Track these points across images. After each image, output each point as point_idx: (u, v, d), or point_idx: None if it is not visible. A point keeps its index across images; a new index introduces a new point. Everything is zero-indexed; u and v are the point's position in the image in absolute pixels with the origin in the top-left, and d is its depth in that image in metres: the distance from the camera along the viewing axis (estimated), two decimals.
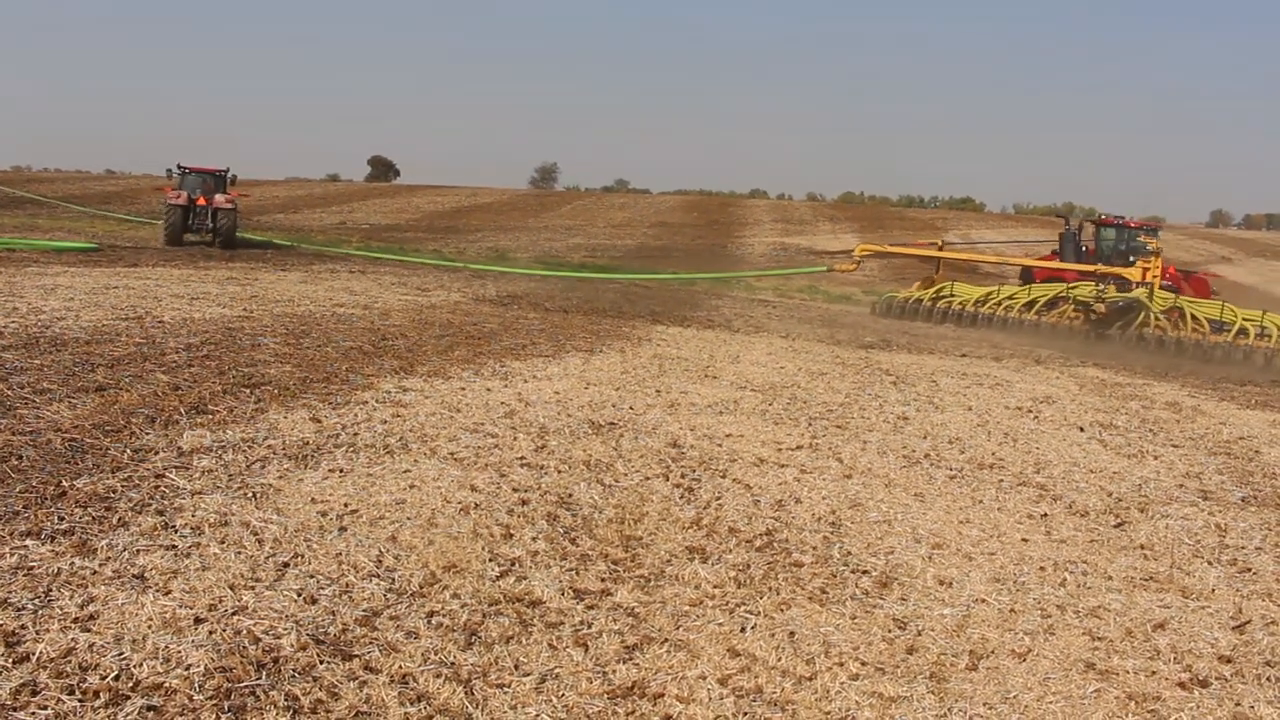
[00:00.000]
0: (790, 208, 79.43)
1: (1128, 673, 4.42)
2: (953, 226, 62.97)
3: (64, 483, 5.39)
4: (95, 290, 13.89)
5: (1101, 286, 21.32)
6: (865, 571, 5.39)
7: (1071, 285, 22.47)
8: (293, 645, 3.91)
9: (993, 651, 4.53)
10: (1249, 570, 5.91)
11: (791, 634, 4.53)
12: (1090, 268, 24.26)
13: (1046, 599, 5.21)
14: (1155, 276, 21.33)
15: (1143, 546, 6.23)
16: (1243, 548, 6.34)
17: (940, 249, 28.14)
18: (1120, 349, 19.47)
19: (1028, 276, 27.59)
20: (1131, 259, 24.14)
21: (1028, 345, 19.54)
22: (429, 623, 4.27)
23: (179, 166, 33.10)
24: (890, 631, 4.66)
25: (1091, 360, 17.17)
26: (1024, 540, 6.15)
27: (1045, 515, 6.72)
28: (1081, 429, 9.81)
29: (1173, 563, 5.94)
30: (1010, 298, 23.11)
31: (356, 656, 3.91)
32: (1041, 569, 5.65)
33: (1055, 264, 26.02)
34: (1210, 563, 6.01)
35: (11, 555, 4.44)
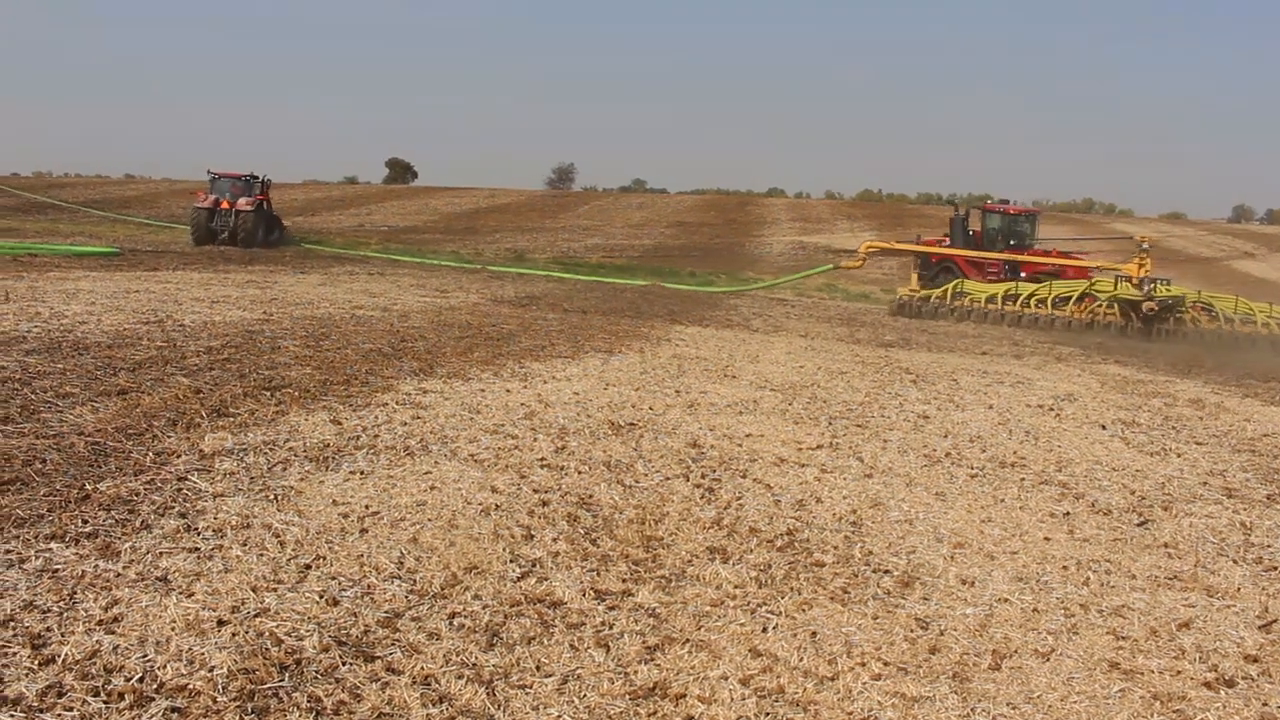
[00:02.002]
0: (808, 206, 79.25)
1: (1153, 672, 4.39)
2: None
3: (87, 486, 5.42)
4: (116, 294, 13.98)
5: (1149, 286, 21.80)
6: (887, 571, 5.37)
7: (1094, 282, 23.01)
8: (315, 647, 3.92)
9: (1016, 651, 4.51)
10: (1275, 569, 5.86)
11: (813, 634, 4.51)
12: (1045, 258, 26.76)
13: (1070, 598, 5.18)
14: (1148, 272, 22.43)
15: (1166, 545, 6.18)
16: (1268, 546, 6.28)
17: (945, 244, 28.76)
18: (1161, 343, 20.17)
19: (926, 262, 28.84)
20: (1011, 242, 27.24)
21: (1053, 342, 19.59)
22: (451, 624, 4.27)
23: (209, 172, 34.07)
24: (912, 631, 4.64)
25: (1113, 357, 17.09)
26: (1046, 539, 6.12)
27: (1068, 514, 6.68)
28: (1104, 427, 9.75)
29: (1197, 561, 5.90)
30: (1031, 294, 23.18)
31: (379, 658, 3.91)
32: (1064, 568, 5.62)
33: (1005, 252, 27.25)
34: (1235, 561, 5.96)
35: (37, 558, 4.47)
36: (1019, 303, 23.08)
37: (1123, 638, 4.74)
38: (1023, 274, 26.13)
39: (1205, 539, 6.34)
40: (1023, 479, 7.47)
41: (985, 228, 28.38)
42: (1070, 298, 22.90)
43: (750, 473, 7.02)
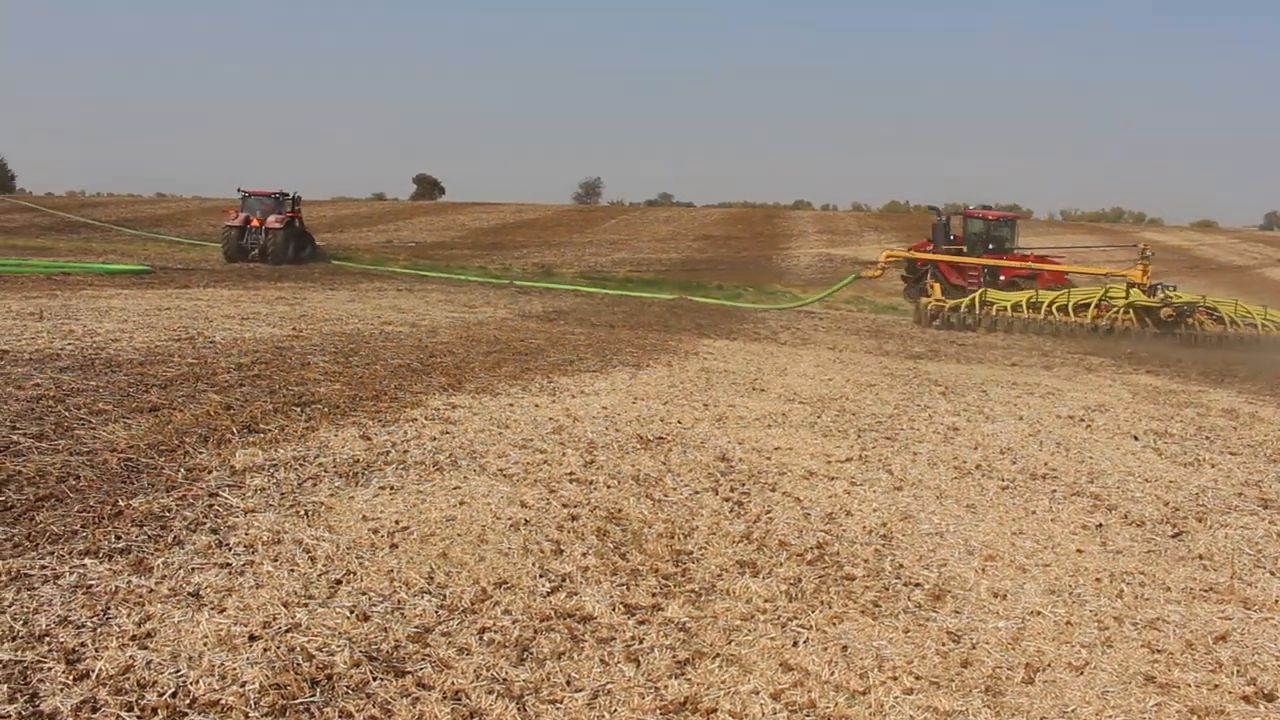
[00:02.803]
0: (835, 218, 79.12)
1: (1189, 686, 4.33)
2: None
3: (120, 502, 5.46)
4: (148, 312, 14.10)
5: (1164, 293, 23.07)
6: (918, 584, 5.33)
7: (1108, 289, 23.87)
8: (346, 662, 3.93)
9: (1049, 664, 4.46)
10: None
11: (844, 648, 4.49)
12: (1021, 263, 28.49)
13: (1103, 611, 5.13)
14: (1148, 278, 23.93)
15: (1201, 557, 6.12)
16: None
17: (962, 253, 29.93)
18: (1179, 348, 20.88)
19: (911, 266, 31.36)
20: (990, 245, 29.03)
21: (1079, 350, 19.58)
22: (481, 639, 4.27)
23: (240, 190, 34.45)
24: (944, 644, 4.61)
25: (1144, 367, 16.95)
26: (1079, 551, 6.06)
27: (1100, 525, 6.62)
28: (1136, 437, 9.67)
29: (1233, 573, 5.83)
30: (1052, 302, 23.68)
31: (409, 673, 3.92)
32: (1097, 580, 5.57)
33: (961, 255, 29.52)
34: (1273, 573, 5.89)
35: (71, 574, 4.51)
36: (1043, 311, 23.40)
37: (1158, 651, 4.68)
38: (1001, 277, 28.00)
39: (1241, 550, 6.27)
40: (1054, 491, 7.41)
41: (966, 232, 30.08)
42: (1089, 305, 23.41)
43: (779, 486, 6.99)
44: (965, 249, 29.82)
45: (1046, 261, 29.26)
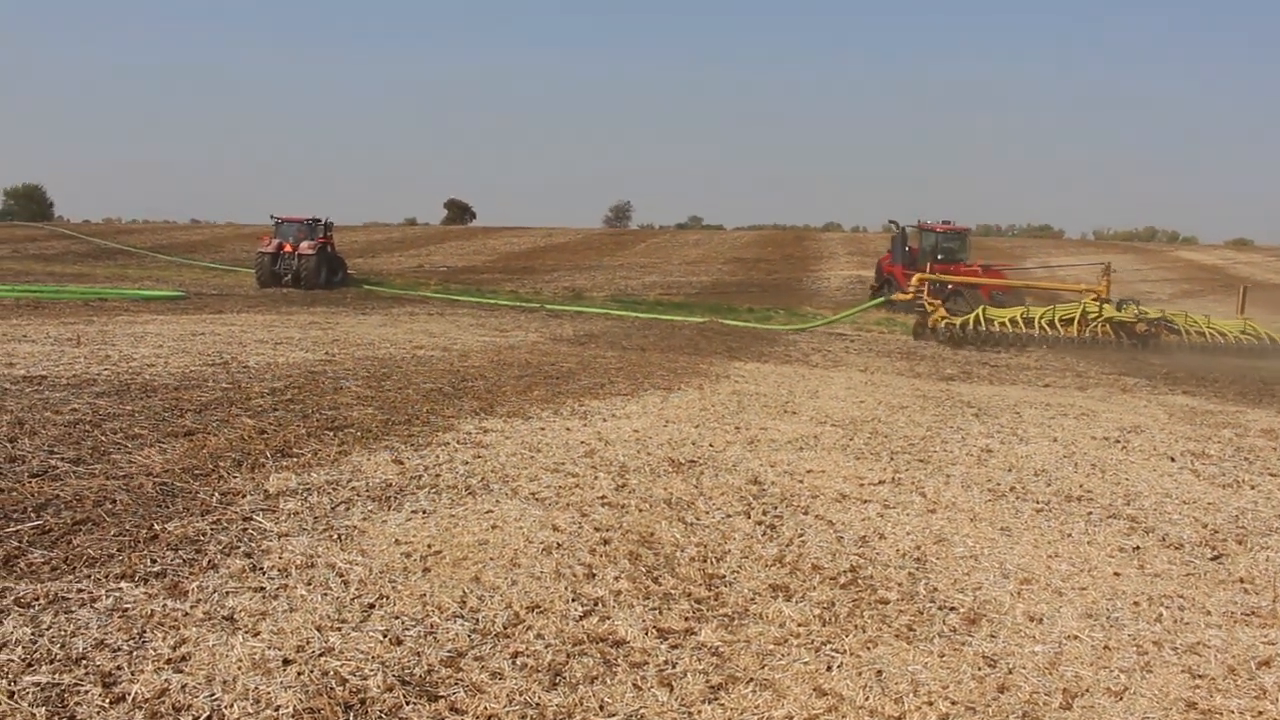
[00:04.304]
0: (865, 240, 78.85)
1: (1232, 713, 4.26)
2: (1031, 254, 62.18)
3: (156, 526, 5.50)
4: (183, 337, 14.24)
5: (1139, 312, 25.55)
6: (953, 608, 5.28)
7: (1084, 305, 26.22)
8: (379, 686, 3.93)
9: (1087, 690, 4.40)
10: None
11: (879, 672, 4.45)
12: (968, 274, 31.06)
13: (1142, 635, 5.06)
14: (1107, 290, 26.17)
15: (1242, 580, 6.02)
16: None
17: (983, 272, 32.22)
18: (1156, 357, 23.23)
19: (878, 274, 35.39)
20: (939, 257, 31.97)
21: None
22: (513, 663, 4.27)
23: (273, 216, 34.89)
24: (980, 669, 4.56)
25: (1180, 387, 16.77)
26: (1116, 574, 5.99)
27: (1137, 548, 6.54)
28: (1172, 459, 9.56)
29: (1275, 596, 5.73)
30: (1041, 316, 25.76)
31: (442, 697, 3.91)
32: (1136, 604, 5.50)
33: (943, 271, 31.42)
34: None
35: (107, 597, 4.54)
36: (1036, 325, 25.24)
37: (1199, 676, 4.61)
38: (949, 287, 30.12)
39: None
40: (1090, 513, 7.33)
41: (921, 246, 33.10)
42: (1072, 319, 25.47)
43: (812, 509, 6.96)
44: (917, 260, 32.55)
45: (993, 274, 32.05)
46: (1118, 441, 10.36)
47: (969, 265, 32.59)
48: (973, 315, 25.69)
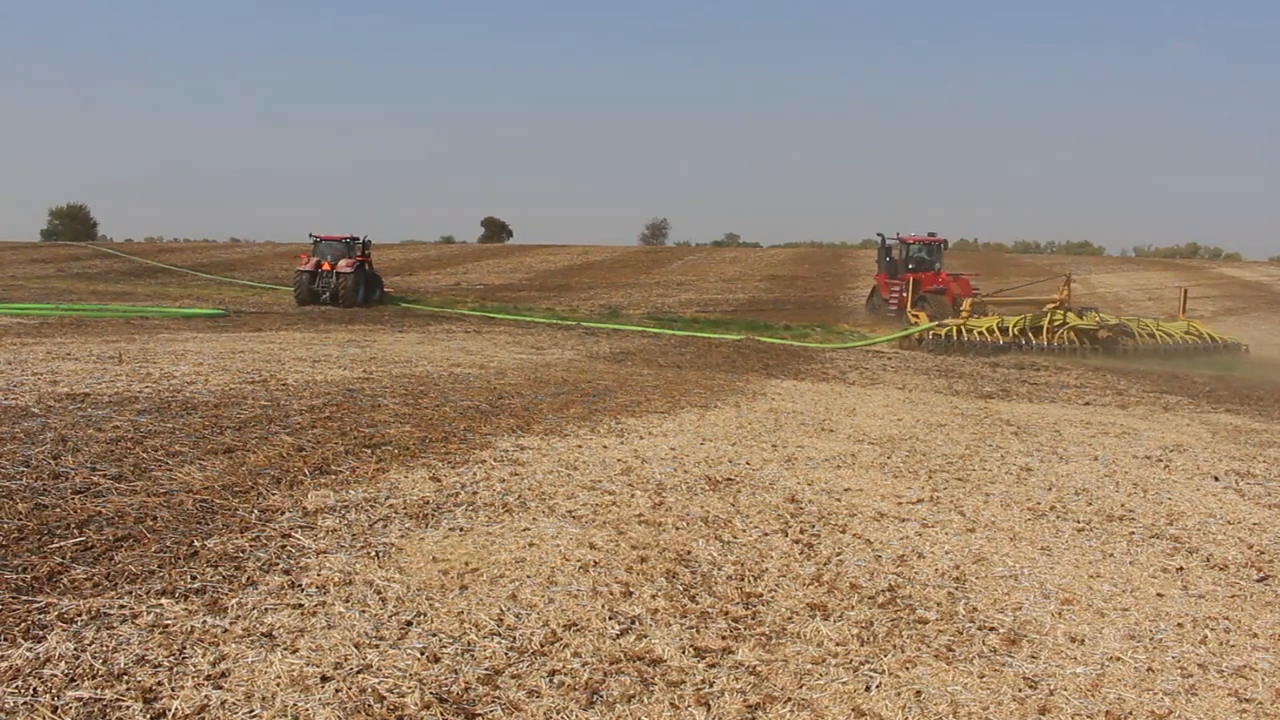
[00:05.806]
0: None
1: None
2: (1071, 271, 61.61)
3: (196, 543, 5.55)
4: (222, 355, 14.37)
5: (1100, 319, 27.95)
6: (992, 628, 5.22)
7: (1050, 313, 27.92)
8: (416, 704, 3.94)
9: (1131, 713, 4.34)
10: None
11: (918, 693, 4.40)
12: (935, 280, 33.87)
13: (1186, 657, 4.98)
14: (1066, 298, 28.49)
15: None
16: None
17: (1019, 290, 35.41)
18: (1117, 361, 25.60)
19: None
20: (911, 265, 34.78)
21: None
22: (550, 681, 4.26)
23: (311, 235, 35.26)
24: (1021, 691, 4.50)
25: (1224, 405, 16.55)
26: (1159, 595, 5.90)
27: (1181, 569, 6.44)
28: (1216, 478, 9.42)
29: None
30: (1015, 324, 27.81)
31: (479, 715, 3.91)
32: (1179, 625, 5.41)
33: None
34: None
35: (148, 614, 4.58)
36: (1009, 334, 27.41)
37: (1246, 699, 4.53)
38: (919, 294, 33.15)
39: None
40: (1132, 533, 7.23)
41: (900, 256, 35.68)
42: (1041, 328, 27.63)
43: (850, 528, 6.91)
44: (897, 269, 35.50)
45: (961, 282, 34.34)
46: (1160, 460, 10.23)
47: (937, 273, 35.08)
48: (953, 325, 27.93)
